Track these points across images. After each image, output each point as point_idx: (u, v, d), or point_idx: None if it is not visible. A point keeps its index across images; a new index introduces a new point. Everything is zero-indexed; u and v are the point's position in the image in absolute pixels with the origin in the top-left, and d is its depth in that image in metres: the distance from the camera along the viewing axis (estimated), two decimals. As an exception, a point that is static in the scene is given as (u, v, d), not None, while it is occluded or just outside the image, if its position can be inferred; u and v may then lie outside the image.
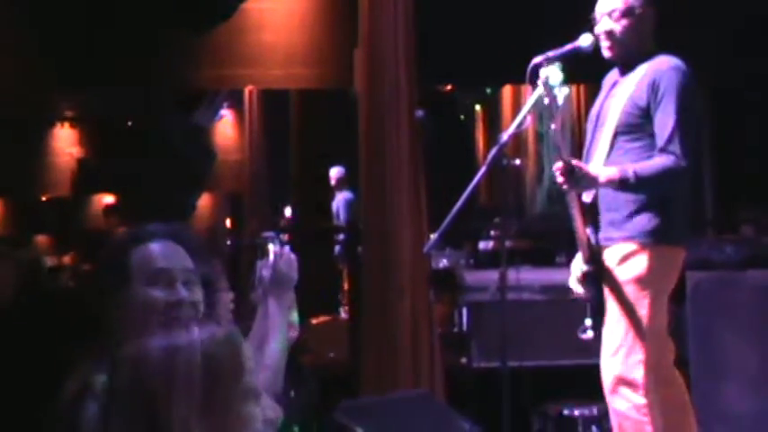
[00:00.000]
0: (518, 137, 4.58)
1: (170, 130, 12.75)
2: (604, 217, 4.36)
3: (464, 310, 7.19)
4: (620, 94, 4.36)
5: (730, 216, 7.63)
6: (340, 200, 11.40)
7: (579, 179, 4.17)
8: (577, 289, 4.50)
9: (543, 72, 4.17)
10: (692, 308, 6.20)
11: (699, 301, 6.23)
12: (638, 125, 4.27)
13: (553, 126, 4.20)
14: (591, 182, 4.22)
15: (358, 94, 6.69)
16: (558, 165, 4.16)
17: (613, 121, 4.32)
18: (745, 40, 7.70)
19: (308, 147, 10.75)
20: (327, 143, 10.65)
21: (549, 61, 4.25)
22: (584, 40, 4.38)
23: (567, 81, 4.27)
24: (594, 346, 4.51)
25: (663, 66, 4.31)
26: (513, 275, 5.34)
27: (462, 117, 14.45)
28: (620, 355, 4.26)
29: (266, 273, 3.36)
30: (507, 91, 12.25)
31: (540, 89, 4.16)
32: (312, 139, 10.71)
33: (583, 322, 4.43)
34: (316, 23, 8.20)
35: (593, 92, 4.90)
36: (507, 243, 5.97)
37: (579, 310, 4.56)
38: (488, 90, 13.17)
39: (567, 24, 4.52)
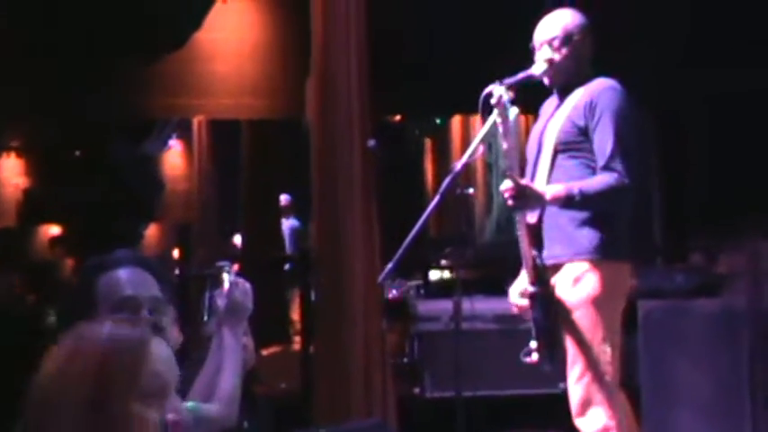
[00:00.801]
0: (468, 167, 4.58)
1: (118, 159, 12.68)
2: (549, 236, 4.38)
3: (416, 340, 7.18)
4: (559, 116, 4.41)
5: (680, 244, 7.68)
6: (286, 227, 11.38)
7: (528, 198, 4.21)
8: (519, 301, 4.51)
9: (497, 91, 4.20)
10: (643, 337, 6.23)
11: (650, 330, 6.26)
12: (576, 144, 4.32)
13: (505, 145, 4.21)
14: (538, 200, 4.25)
15: (310, 123, 6.69)
16: (508, 185, 4.18)
17: (552, 141, 4.36)
18: (691, 61, 7.81)
19: (258, 176, 10.71)
20: (278, 172, 10.63)
21: (500, 88, 4.28)
22: (537, 68, 4.42)
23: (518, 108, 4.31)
24: (545, 372, 4.51)
25: (599, 87, 4.37)
26: (465, 305, 5.35)
27: (412, 147, 14.49)
28: (585, 378, 4.27)
29: (221, 302, 3.34)
30: (456, 121, 12.31)
31: (495, 111, 4.20)
32: (263, 168, 10.69)
33: (527, 345, 4.43)
34: (267, 53, 8.19)
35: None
36: (458, 273, 5.98)
37: (530, 339, 4.56)
38: (438, 120, 13.22)
39: (516, 55, 4.56)
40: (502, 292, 8.01)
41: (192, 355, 3.76)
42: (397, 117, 12.53)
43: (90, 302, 2.76)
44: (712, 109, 8.07)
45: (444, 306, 6.94)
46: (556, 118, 4.41)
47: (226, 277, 3.39)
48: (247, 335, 3.40)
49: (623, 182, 4.22)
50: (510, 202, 4.19)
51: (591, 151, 4.29)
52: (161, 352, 2.11)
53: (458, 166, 4.36)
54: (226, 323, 3.31)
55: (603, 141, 4.26)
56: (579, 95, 4.36)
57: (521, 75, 4.37)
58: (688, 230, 7.73)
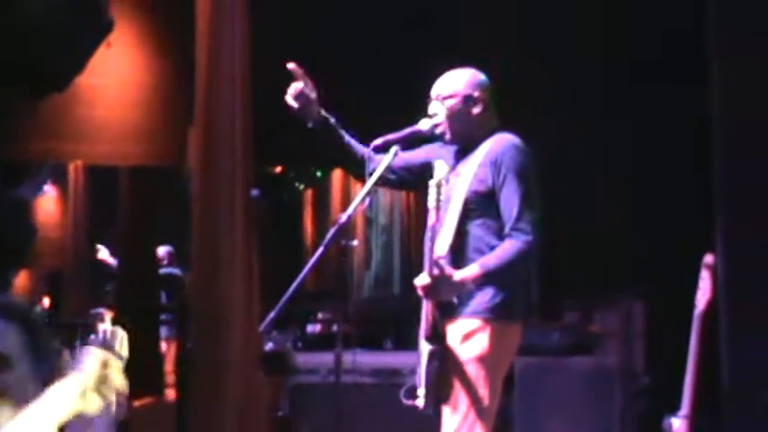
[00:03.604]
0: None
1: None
2: None
3: (293, 393, 7.13)
4: (464, 175, 4.41)
5: (555, 303, 7.78)
6: (164, 277, 11.22)
7: (446, 291, 4.23)
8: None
9: (392, 151, 4.23)
10: (518, 393, 6.29)
11: (525, 386, 6.33)
12: (483, 204, 4.34)
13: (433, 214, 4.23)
14: (458, 289, 4.26)
15: (192, 172, 6.64)
16: (423, 281, 4.20)
17: (459, 202, 4.36)
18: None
19: (136, 224, 10.58)
20: (157, 221, 10.50)
21: (389, 144, 4.30)
22: (424, 124, 4.44)
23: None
24: (423, 426, 4.50)
25: (503, 144, 4.38)
26: (346, 358, 5.33)
27: (291, 199, 14.49)
28: (461, 431, 4.27)
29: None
30: (337, 174, 12.34)
31: (383, 165, 4.22)
32: (141, 216, 10.55)
33: (412, 386, 4.40)
34: (150, 100, 8.12)
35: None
36: (337, 326, 5.97)
37: (410, 394, 4.55)
38: (319, 173, 13.25)
39: (400, 109, 4.59)
40: (379, 346, 8.05)
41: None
42: (278, 168, 12.52)
43: None
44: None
45: (320, 359, 6.94)
46: (461, 178, 4.42)
47: (101, 326, 3.33)
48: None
49: (528, 241, 4.26)
50: (423, 294, 4.21)
51: (497, 211, 4.33)
52: None
53: (343, 217, 4.36)
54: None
55: (509, 201, 4.29)
56: (482, 153, 4.38)
57: (407, 130, 4.40)
58: (563, 290, 7.83)
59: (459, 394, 4.29)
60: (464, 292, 4.29)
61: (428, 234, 4.26)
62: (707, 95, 6.80)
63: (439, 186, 4.22)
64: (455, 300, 4.32)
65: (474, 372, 4.28)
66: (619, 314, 7.62)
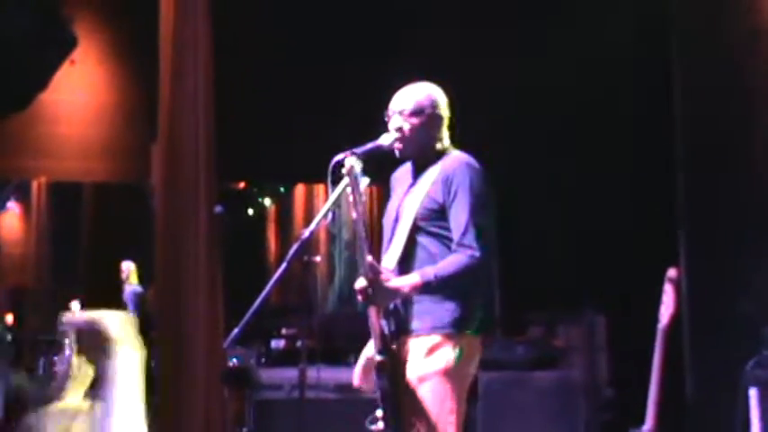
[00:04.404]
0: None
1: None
2: (405, 310, 4.40)
3: (256, 409, 7.12)
4: (417, 191, 4.44)
5: (519, 317, 7.81)
6: (128, 293, 11.19)
7: (382, 296, 4.24)
8: (356, 380, 4.51)
9: (348, 160, 4.23)
10: (484, 407, 6.30)
11: (489, 401, 6.34)
12: (434, 220, 4.37)
13: (354, 215, 4.24)
14: (394, 295, 4.27)
15: (156, 188, 6.64)
16: (361, 284, 4.21)
17: (410, 217, 4.39)
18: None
19: (99, 240, 10.55)
20: (120, 237, 10.48)
21: (350, 159, 4.32)
22: (386, 139, 4.46)
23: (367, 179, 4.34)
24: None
25: (455, 163, 4.42)
26: (310, 373, 5.34)
27: (254, 214, 14.47)
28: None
29: (62, 368, 3.27)
30: (300, 190, 12.34)
31: (345, 180, 4.22)
32: (104, 232, 10.53)
33: (373, 413, 4.41)
34: (113, 117, 8.12)
35: (385, 193, 4.97)
36: (301, 342, 5.97)
37: (373, 409, 4.56)
38: (282, 188, 13.25)
39: (362, 126, 4.61)
40: (343, 362, 8.04)
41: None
42: (241, 184, 12.51)
43: None
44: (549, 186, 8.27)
45: (285, 375, 6.94)
46: (414, 193, 4.44)
47: (67, 342, 3.33)
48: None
49: (475, 256, 4.28)
50: (362, 299, 4.22)
51: (447, 228, 4.35)
52: None
53: (306, 233, 4.36)
54: (66, 388, 3.24)
55: (458, 217, 4.32)
56: (436, 171, 4.41)
57: (369, 145, 4.41)
58: (527, 304, 7.86)
59: (425, 411, 4.29)
60: (404, 298, 4.30)
61: (362, 236, 4.27)
62: (669, 112, 6.89)
63: (350, 178, 4.21)
64: (412, 316, 4.34)
65: (440, 386, 4.29)
66: (582, 328, 7.66)
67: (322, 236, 11.98)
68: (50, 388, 3.38)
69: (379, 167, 4.59)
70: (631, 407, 5.16)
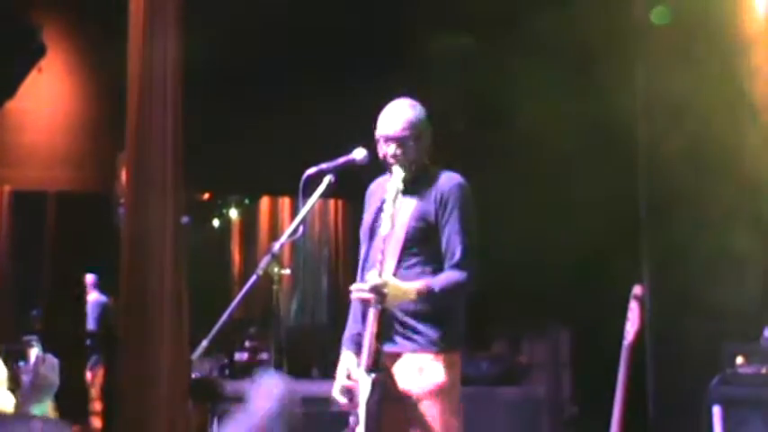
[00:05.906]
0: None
1: None
2: (393, 327, 4.40)
3: (220, 421, 7.09)
4: (406, 208, 4.44)
5: (483, 332, 7.83)
6: (91, 303, 11.12)
7: (394, 295, 4.24)
8: (340, 399, 4.49)
9: (322, 174, 4.25)
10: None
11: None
12: (425, 239, 4.38)
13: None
14: (404, 295, 4.28)
15: (122, 198, 6.61)
16: (376, 281, 4.20)
17: (401, 234, 4.39)
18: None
19: (63, 250, 10.48)
20: (84, 247, 10.42)
21: (323, 173, 4.32)
22: (358, 154, 4.45)
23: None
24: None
25: (449, 182, 4.44)
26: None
27: (219, 226, 14.42)
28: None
29: (26, 378, 3.26)
30: (265, 202, 12.33)
31: (317, 193, 4.24)
32: (68, 242, 10.46)
33: (343, 428, 4.40)
34: (79, 126, 8.09)
35: (354, 207, 4.98)
36: (265, 354, 5.94)
37: (339, 423, 4.55)
38: (246, 200, 13.22)
39: (332, 139, 4.62)
40: (306, 374, 8.02)
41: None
42: (206, 195, 12.48)
43: None
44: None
45: (249, 386, 6.90)
46: (403, 211, 4.44)
47: (32, 352, 3.31)
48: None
49: (470, 278, 4.32)
50: (368, 299, 4.22)
51: (437, 246, 4.37)
52: None
53: (276, 246, 4.36)
54: (31, 399, 3.22)
55: (454, 238, 4.35)
56: (428, 189, 4.43)
57: (342, 159, 4.41)
58: (491, 319, 7.88)
59: (431, 428, 4.29)
60: (405, 301, 4.31)
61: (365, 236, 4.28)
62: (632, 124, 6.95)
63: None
64: (401, 335, 4.35)
65: (435, 404, 4.29)
66: (546, 344, 7.69)
67: (287, 248, 11.94)
68: (16, 395, 3.36)
69: (350, 182, 4.60)
70: (595, 423, 5.18)
